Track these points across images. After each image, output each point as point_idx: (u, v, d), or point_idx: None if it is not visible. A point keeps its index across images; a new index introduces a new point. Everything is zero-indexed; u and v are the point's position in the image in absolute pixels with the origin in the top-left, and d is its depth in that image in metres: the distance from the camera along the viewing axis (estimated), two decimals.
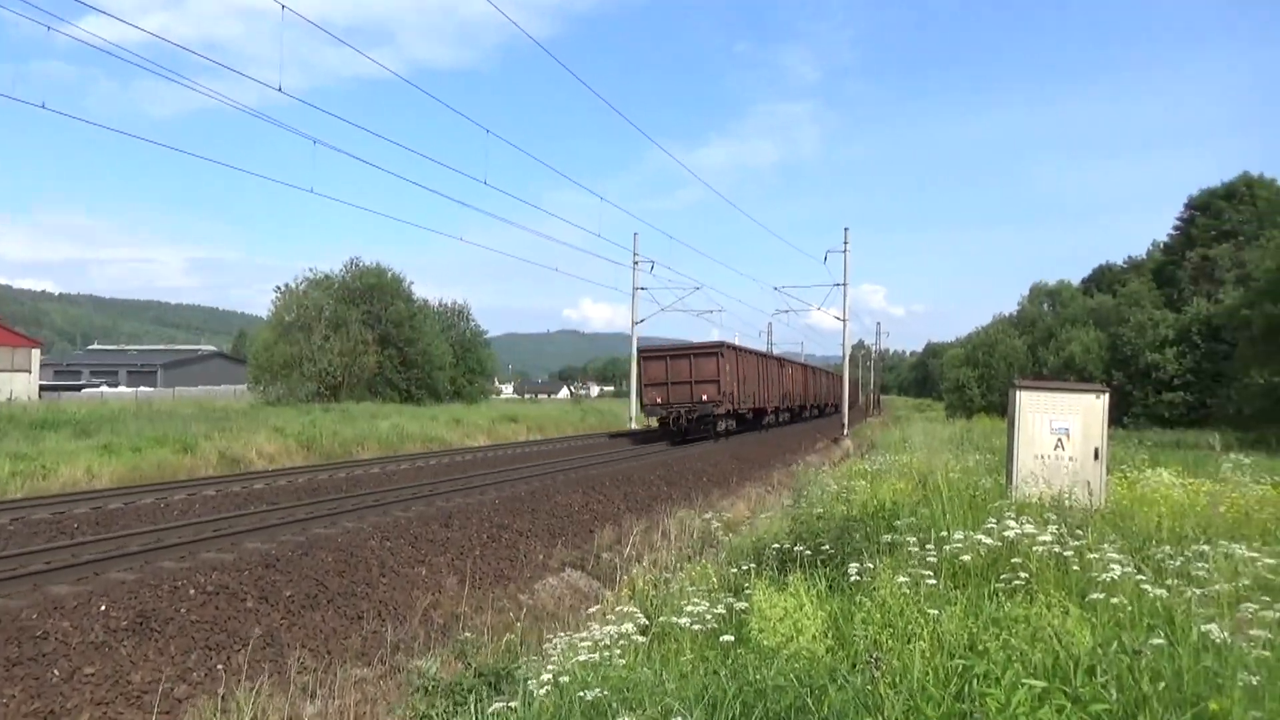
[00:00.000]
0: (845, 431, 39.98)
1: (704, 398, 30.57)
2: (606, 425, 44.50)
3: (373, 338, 45.92)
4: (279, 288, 46.25)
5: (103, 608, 7.62)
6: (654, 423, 32.06)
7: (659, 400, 30.77)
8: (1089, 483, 9.79)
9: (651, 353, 32.21)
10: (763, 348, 79.97)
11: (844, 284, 41.57)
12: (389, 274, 48.81)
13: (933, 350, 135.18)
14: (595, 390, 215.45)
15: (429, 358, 48.61)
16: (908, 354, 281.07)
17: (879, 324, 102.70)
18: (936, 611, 5.20)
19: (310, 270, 48.98)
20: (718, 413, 30.98)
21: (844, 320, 42.26)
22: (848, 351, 43.90)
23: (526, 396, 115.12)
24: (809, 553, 7.44)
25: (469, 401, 51.17)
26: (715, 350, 31.34)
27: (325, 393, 43.16)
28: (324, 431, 25.47)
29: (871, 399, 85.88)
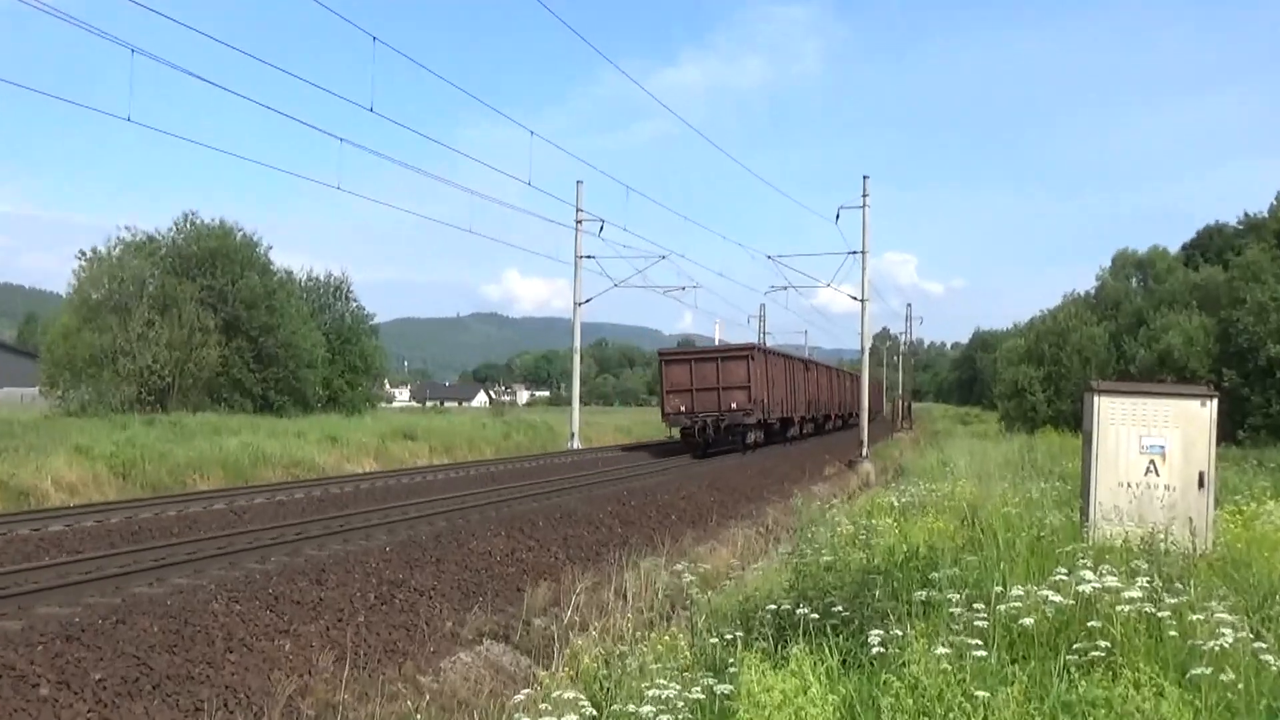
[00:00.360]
0: (864, 451, 40.45)
1: (733, 405, 36.76)
2: (541, 444, 44.66)
3: (215, 323, 45.40)
4: (83, 254, 45.48)
5: None
6: (676, 433, 38.33)
7: (682, 409, 36.87)
8: (1191, 519, 9.97)
9: (674, 355, 38.64)
10: (754, 338, 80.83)
11: (862, 251, 41.98)
12: (237, 235, 48.34)
13: (982, 341, 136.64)
14: (524, 395, 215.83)
15: (294, 351, 48.21)
16: (948, 346, 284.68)
17: (909, 306, 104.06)
18: (987, 694, 5.27)
19: (127, 229, 48.04)
20: (748, 422, 37.34)
21: (862, 300, 42.69)
22: (867, 344, 44.36)
23: (429, 404, 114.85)
24: (816, 616, 7.52)
25: (350, 412, 50.90)
26: (745, 353, 37.93)
27: (149, 399, 42.61)
28: (147, 453, 25.37)
29: (899, 407, 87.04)
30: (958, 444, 33.97)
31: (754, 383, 37.34)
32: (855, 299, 43.52)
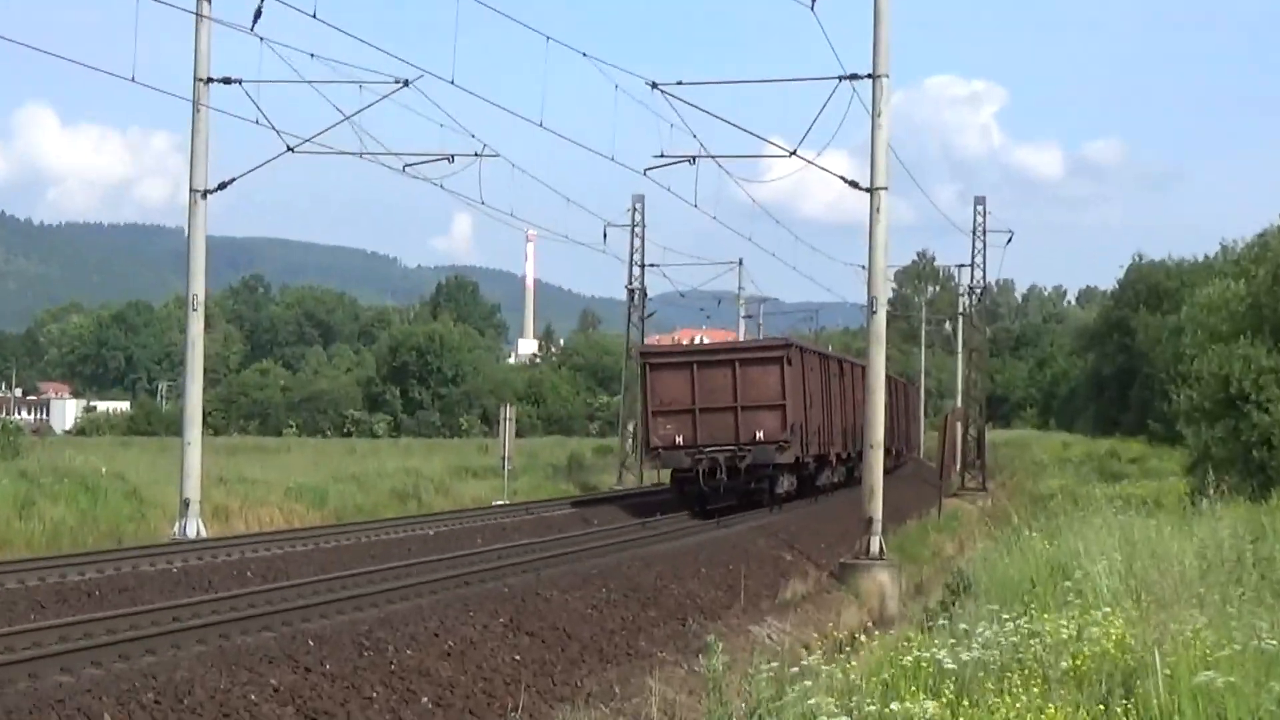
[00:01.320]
0: (874, 541, 40.72)
1: (759, 435, 47.43)
2: (111, 529, 44.40)
3: None
4: None
5: None
6: (666, 477, 51.16)
7: (679, 440, 47.57)
8: None
9: (664, 355, 50.99)
10: (612, 274, 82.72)
11: (873, 75, 42.31)
12: None
13: (1148, 286, 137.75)
14: (68, 410, 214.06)
15: None
16: (1069, 299, 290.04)
17: (981, 207, 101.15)
18: None
19: None
20: (781, 462, 48.70)
21: (871, 189, 42.92)
22: (882, 292, 44.55)
23: None
24: None
25: None
26: (779, 353, 49.56)
27: None
28: None
29: (951, 437, 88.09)
30: (1094, 523, 34.39)
31: (790, 400, 47.89)
32: (854, 186, 43.75)
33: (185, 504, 42.22)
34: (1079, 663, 15.95)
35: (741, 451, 45.85)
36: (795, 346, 50.85)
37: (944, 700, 14.31)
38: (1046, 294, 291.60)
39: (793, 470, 49.91)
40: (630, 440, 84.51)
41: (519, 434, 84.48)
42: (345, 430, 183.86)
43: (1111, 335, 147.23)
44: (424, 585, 31.23)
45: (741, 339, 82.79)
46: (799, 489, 52.05)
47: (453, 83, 42.97)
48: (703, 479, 46.28)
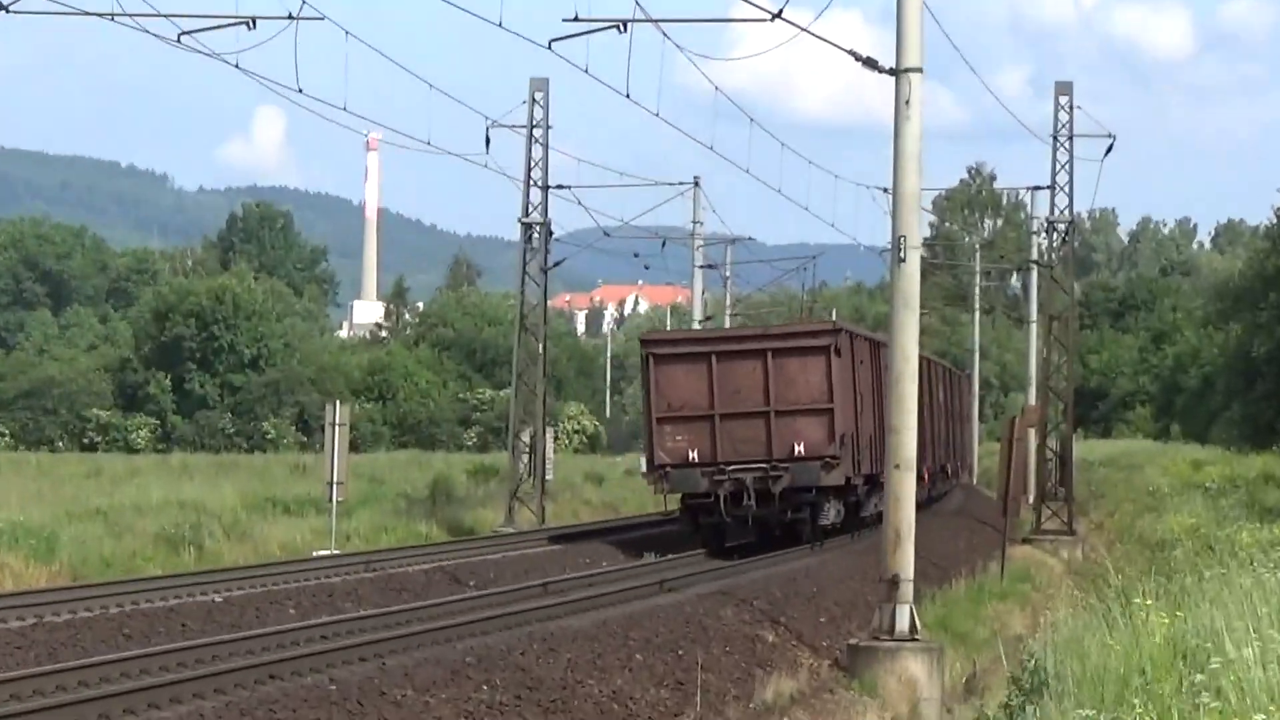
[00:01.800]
0: (902, 614, 40.80)
1: (798, 449, 52.61)
2: None
3: None
4: None
5: None
6: (675, 503, 56.06)
7: (694, 456, 51.88)
8: None
9: (671, 344, 56.68)
10: (518, 200, 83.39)
11: None
12: None
13: None
14: None
15: None
16: (1200, 240, 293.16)
17: (1064, 101, 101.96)
18: None
19: None
20: (827, 484, 54.68)
21: (895, 71, 43.07)
22: (914, 233, 44.70)
23: None
24: None
25: None
26: (824, 341, 54.00)
27: None
28: None
29: (1025, 456, 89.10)
30: (1240, 585, 34.56)
31: (839, 402, 52.46)
32: (870, 67, 43.92)
33: None
34: None
35: (776, 470, 49.30)
36: (845, 331, 54.32)
37: None
38: (1166, 232, 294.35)
39: (842, 495, 54.31)
40: (527, 457, 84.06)
41: (356, 447, 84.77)
42: (87, 440, 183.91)
43: (1266, 295, 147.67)
44: (206, 680, 30.71)
45: (702, 307, 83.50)
46: (844, 520, 56.34)
47: None
48: (725, 507, 49.39)
